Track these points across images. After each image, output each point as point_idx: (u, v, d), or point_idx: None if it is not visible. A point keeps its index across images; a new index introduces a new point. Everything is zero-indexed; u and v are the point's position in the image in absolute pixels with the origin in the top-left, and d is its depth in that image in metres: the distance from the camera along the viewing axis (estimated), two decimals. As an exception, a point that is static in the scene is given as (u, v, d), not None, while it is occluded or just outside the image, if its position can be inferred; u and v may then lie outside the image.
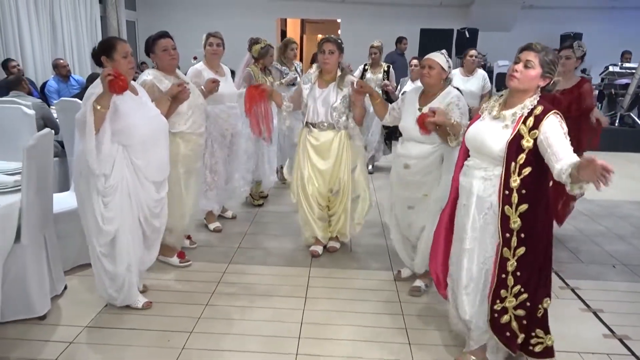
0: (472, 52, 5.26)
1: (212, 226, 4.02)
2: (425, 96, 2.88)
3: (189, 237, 3.62)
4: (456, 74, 5.30)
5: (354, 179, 3.48)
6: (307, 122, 3.41)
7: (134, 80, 2.84)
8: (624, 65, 8.31)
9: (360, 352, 2.46)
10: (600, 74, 8.77)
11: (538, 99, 2.08)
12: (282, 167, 5.33)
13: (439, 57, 2.80)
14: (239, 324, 2.69)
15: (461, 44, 9.10)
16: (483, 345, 2.32)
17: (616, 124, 8.35)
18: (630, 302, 3.09)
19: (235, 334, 2.59)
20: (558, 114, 2.01)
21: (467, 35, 9.38)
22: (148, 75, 3.07)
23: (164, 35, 3.11)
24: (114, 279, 2.61)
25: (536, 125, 2.00)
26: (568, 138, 1.97)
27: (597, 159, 1.66)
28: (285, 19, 12.35)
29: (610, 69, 8.37)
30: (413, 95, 2.95)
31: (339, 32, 11.16)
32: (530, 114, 2.04)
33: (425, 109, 2.72)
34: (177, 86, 2.87)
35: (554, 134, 1.96)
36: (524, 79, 2.06)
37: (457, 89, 3.08)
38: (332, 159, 3.38)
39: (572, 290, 3.22)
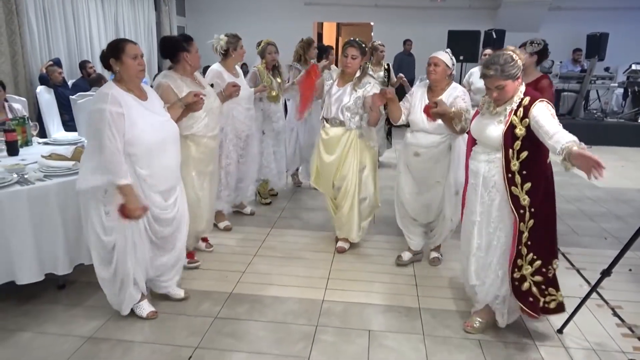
0: (487, 51, 5.65)
1: (222, 225, 4.01)
2: (433, 91, 3.13)
3: (205, 240, 3.59)
4: (475, 72, 5.63)
5: (361, 180, 3.49)
6: (323, 117, 3.54)
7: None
8: (646, 64, 8.59)
9: (375, 277, 3.15)
10: (624, 72, 9.06)
11: (524, 90, 2.36)
12: (297, 170, 5.31)
13: (443, 56, 3.05)
14: (281, 268, 3.40)
15: (488, 45, 9.52)
16: (487, 308, 2.63)
17: (639, 121, 8.63)
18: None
19: (278, 274, 3.30)
20: (544, 100, 2.29)
21: (495, 36, 9.77)
22: (164, 77, 2.98)
23: (179, 40, 3.04)
24: (110, 285, 2.60)
25: (526, 114, 2.28)
26: (556, 118, 2.23)
27: (592, 155, 1.89)
28: (322, 23, 13.04)
29: (634, 67, 8.65)
30: (422, 90, 3.21)
31: (372, 34, 11.78)
32: (519, 105, 2.32)
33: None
34: (194, 95, 2.79)
35: (542, 116, 2.22)
36: (506, 96, 2.35)
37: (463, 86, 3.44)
38: (337, 154, 3.44)
39: (562, 254, 3.75)
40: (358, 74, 3.41)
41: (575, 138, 2.09)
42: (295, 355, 2.44)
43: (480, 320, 2.66)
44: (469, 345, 2.56)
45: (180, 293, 2.90)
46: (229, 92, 3.24)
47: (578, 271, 3.47)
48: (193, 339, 2.53)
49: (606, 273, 2.44)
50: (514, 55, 2.31)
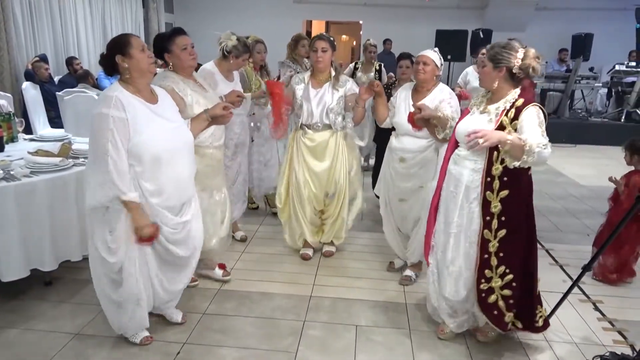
0: (484, 50, 5.63)
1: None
2: (419, 92, 2.96)
3: (222, 267, 3.18)
4: (470, 72, 5.59)
5: (349, 181, 3.40)
6: (301, 124, 3.28)
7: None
8: (629, 64, 8.75)
9: (362, 273, 3.21)
10: (608, 72, 9.23)
11: (519, 92, 2.25)
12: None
13: (433, 55, 2.91)
14: (269, 264, 3.43)
15: (475, 44, 9.62)
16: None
17: (622, 120, 8.80)
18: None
19: (266, 270, 3.33)
20: (537, 105, 2.20)
21: (482, 36, 9.87)
22: (164, 78, 2.64)
23: (181, 31, 2.72)
24: (121, 309, 2.34)
25: (517, 116, 2.18)
26: (543, 127, 2.14)
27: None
28: (311, 21, 13.05)
29: (617, 67, 8.82)
30: (406, 91, 3.03)
31: (361, 32, 11.83)
32: (512, 106, 2.21)
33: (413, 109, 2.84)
34: (223, 108, 2.50)
35: (528, 122, 2.14)
36: (482, 77, 2.35)
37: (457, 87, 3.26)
38: (328, 160, 3.29)
39: (546, 250, 3.82)
40: (333, 72, 3.24)
41: (541, 141, 2.07)
42: (283, 350, 2.46)
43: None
44: (454, 340, 2.59)
45: (178, 317, 2.63)
46: (232, 101, 2.87)
47: (561, 267, 3.54)
48: (182, 335, 2.54)
49: (587, 268, 2.50)
50: (517, 47, 2.22)
